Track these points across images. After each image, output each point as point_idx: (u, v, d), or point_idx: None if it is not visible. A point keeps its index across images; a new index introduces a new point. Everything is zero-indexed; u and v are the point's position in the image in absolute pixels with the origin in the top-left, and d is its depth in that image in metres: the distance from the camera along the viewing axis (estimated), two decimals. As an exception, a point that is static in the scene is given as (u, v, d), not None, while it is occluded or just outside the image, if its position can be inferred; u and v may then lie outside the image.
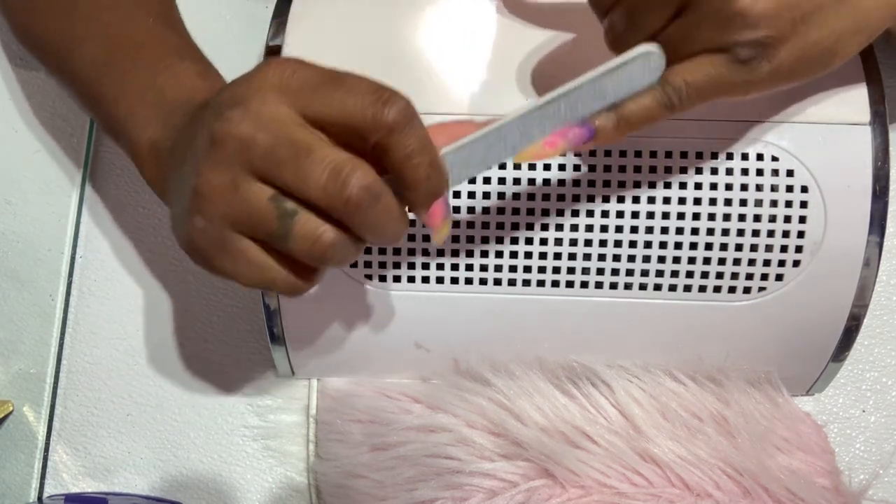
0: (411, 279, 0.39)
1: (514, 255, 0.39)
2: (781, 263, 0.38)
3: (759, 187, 0.37)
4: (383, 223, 0.28)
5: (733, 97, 0.32)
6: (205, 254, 0.29)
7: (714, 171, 0.37)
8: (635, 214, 0.38)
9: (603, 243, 0.38)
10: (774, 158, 0.37)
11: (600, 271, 0.39)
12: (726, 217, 0.37)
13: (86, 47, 0.38)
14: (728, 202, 0.37)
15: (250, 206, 0.27)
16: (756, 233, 0.38)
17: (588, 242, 0.38)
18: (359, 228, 0.28)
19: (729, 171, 0.37)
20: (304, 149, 0.27)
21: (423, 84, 0.39)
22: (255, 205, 0.27)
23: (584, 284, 0.39)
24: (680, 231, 0.38)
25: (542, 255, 0.38)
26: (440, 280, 0.39)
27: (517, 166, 0.38)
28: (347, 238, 0.28)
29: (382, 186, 0.27)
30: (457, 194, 0.38)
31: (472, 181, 0.38)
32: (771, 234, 0.38)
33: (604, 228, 0.38)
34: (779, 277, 0.38)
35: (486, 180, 0.38)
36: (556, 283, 0.39)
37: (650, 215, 0.38)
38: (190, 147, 0.29)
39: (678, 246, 0.38)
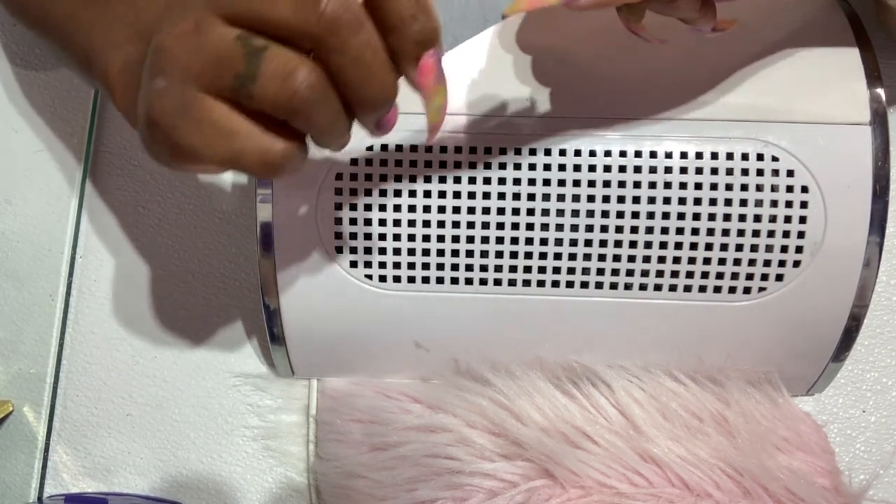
0: (411, 279, 0.39)
1: (514, 255, 0.39)
2: (781, 263, 0.38)
3: (759, 187, 0.37)
4: (366, 58, 0.25)
5: None
6: (166, 125, 0.26)
7: (714, 171, 0.37)
8: (635, 214, 0.38)
9: (603, 243, 0.38)
10: (774, 158, 0.37)
11: (600, 271, 0.39)
12: (726, 217, 0.37)
13: None
14: (728, 202, 0.37)
15: (215, 47, 0.25)
16: (756, 233, 0.38)
17: (588, 242, 0.38)
18: (340, 64, 0.25)
19: (729, 171, 0.37)
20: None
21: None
22: (221, 45, 0.25)
23: (584, 284, 0.39)
24: (680, 231, 0.38)
25: (542, 255, 0.38)
26: (440, 280, 0.39)
27: (517, 165, 0.38)
28: (327, 85, 0.25)
29: (363, 13, 0.25)
30: (457, 194, 0.38)
31: (473, 181, 0.38)
32: (771, 234, 0.38)
33: (604, 228, 0.38)
34: (779, 277, 0.38)
35: (487, 180, 0.38)
36: (556, 283, 0.39)
37: (650, 215, 0.38)
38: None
39: (678, 246, 0.38)
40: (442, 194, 0.38)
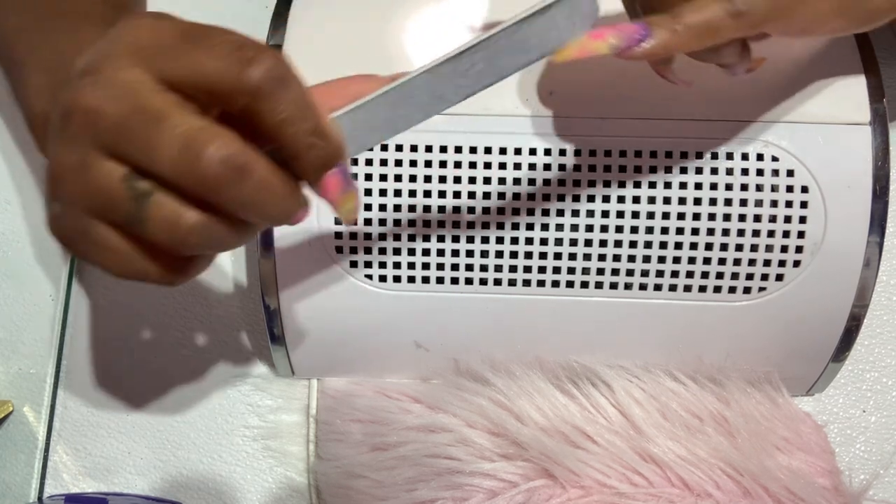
0: (411, 279, 0.39)
1: (514, 255, 0.39)
2: (781, 263, 0.38)
3: (759, 187, 0.37)
4: (260, 200, 0.24)
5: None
6: (69, 242, 0.26)
7: (714, 171, 0.37)
8: (636, 214, 0.38)
9: (603, 243, 0.38)
10: (774, 158, 0.37)
11: (600, 271, 0.39)
12: (726, 217, 0.37)
13: (11, 13, 0.36)
14: (728, 202, 0.37)
15: (102, 187, 0.24)
16: (756, 233, 0.38)
17: (588, 242, 0.38)
18: (229, 208, 0.24)
19: (729, 171, 0.37)
20: (154, 117, 0.23)
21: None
22: (107, 185, 0.24)
23: (584, 284, 0.39)
24: (680, 231, 0.38)
25: (543, 255, 0.38)
26: (440, 280, 0.39)
27: (517, 165, 0.38)
28: (217, 220, 0.25)
29: (250, 157, 0.24)
30: (457, 194, 0.38)
31: (472, 181, 0.38)
32: (771, 234, 0.38)
33: (604, 228, 0.38)
34: (779, 277, 0.38)
35: (487, 180, 0.38)
36: (556, 283, 0.39)
37: (650, 215, 0.38)
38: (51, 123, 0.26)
39: (678, 246, 0.38)
40: (442, 194, 0.38)
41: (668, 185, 0.37)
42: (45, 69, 0.33)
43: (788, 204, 0.37)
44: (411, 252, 0.39)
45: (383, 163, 0.38)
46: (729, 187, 0.37)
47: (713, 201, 0.37)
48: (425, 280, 0.39)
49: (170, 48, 0.24)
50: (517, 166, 0.38)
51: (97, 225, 0.25)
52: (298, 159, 0.25)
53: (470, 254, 0.39)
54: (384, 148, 0.38)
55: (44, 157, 0.30)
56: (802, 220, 0.37)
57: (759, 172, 0.37)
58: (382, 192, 0.38)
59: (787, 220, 0.37)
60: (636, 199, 0.38)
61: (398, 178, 0.38)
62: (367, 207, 0.38)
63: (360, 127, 0.27)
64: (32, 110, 0.33)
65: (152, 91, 0.24)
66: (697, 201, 0.38)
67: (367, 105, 0.26)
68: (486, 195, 0.38)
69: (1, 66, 0.38)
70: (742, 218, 0.37)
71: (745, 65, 0.33)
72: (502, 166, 0.38)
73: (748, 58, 0.33)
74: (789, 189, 0.37)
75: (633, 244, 0.38)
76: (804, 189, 0.37)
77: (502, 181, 0.38)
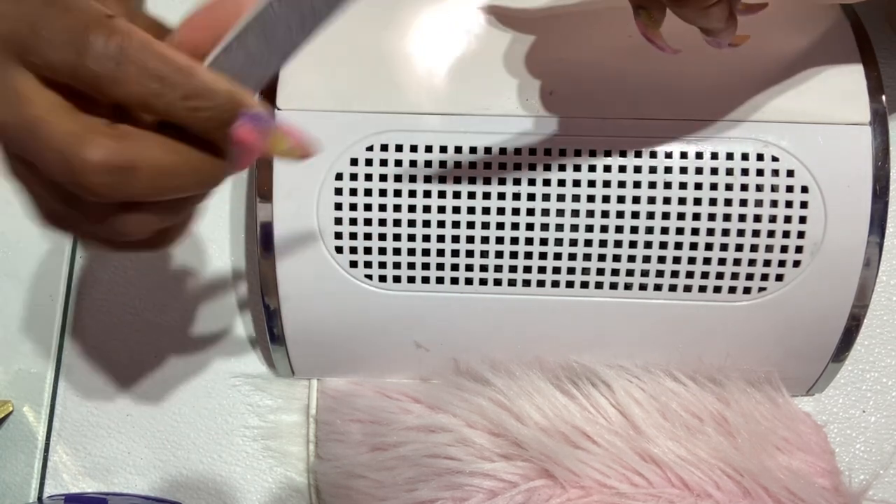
0: (411, 279, 0.39)
1: (513, 255, 0.39)
2: (781, 263, 0.38)
3: (759, 187, 0.37)
4: (163, 185, 0.23)
5: None
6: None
7: (714, 171, 0.37)
8: (635, 214, 0.38)
9: (603, 243, 0.38)
10: (774, 158, 0.37)
11: (600, 271, 0.39)
12: (726, 217, 0.37)
13: None
14: (728, 202, 0.37)
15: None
16: (756, 233, 0.38)
17: (588, 242, 0.38)
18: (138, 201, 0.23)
19: (729, 171, 0.37)
20: (31, 126, 0.22)
21: (422, 85, 0.39)
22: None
23: (584, 284, 0.39)
24: (680, 231, 0.38)
25: (542, 255, 0.38)
26: (440, 280, 0.39)
27: (517, 165, 0.38)
28: (138, 212, 0.23)
29: (130, 152, 0.22)
30: (457, 194, 0.38)
31: (472, 181, 0.38)
32: (771, 234, 0.38)
33: (604, 228, 0.38)
34: (779, 277, 0.38)
35: (487, 180, 0.38)
36: (556, 283, 0.39)
37: (650, 215, 0.38)
38: None
39: (678, 246, 0.38)
40: (442, 194, 0.38)
41: (668, 186, 0.37)
42: None
43: (788, 204, 0.37)
44: (411, 252, 0.39)
45: (383, 163, 0.38)
46: (729, 187, 0.37)
47: (713, 201, 0.37)
48: (425, 280, 0.39)
49: (27, 38, 0.22)
50: (517, 166, 0.38)
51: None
52: (190, 128, 0.23)
53: (470, 254, 0.39)
54: (384, 148, 0.38)
55: None
56: (802, 220, 0.37)
57: (759, 172, 0.37)
58: (382, 192, 0.38)
59: (787, 220, 0.37)
60: (636, 199, 0.38)
61: (398, 178, 0.38)
62: (367, 207, 0.38)
63: (245, 61, 0.23)
64: None
65: (32, 91, 0.22)
66: (697, 201, 0.38)
67: (240, 37, 0.23)
68: (486, 195, 0.38)
69: None
70: (742, 218, 0.37)
71: (730, 35, 0.33)
72: (502, 166, 0.38)
73: (734, 27, 0.33)
74: (789, 189, 0.37)
75: (633, 244, 0.38)
76: (804, 189, 0.37)
77: (502, 181, 0.38)
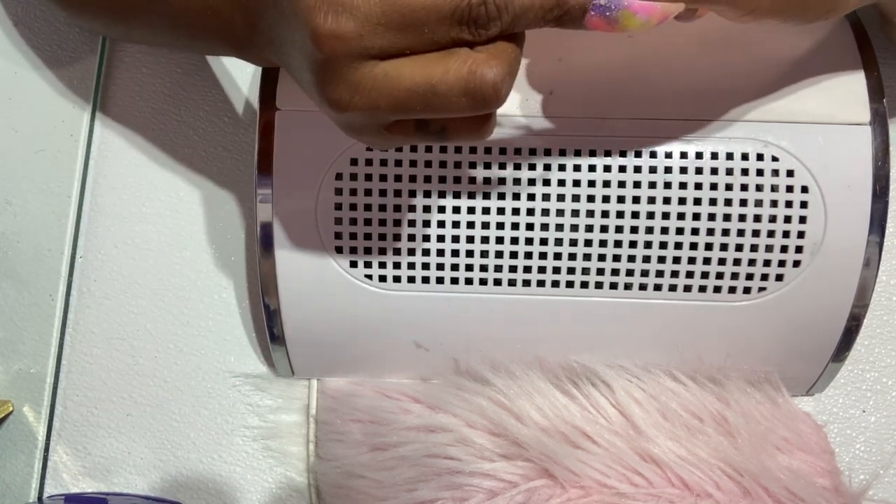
0: (411, 279, 0.39)
1: (514, 255, 0.39)
2: (781, 263, 0.38)
3: (759, 187, 0.37)
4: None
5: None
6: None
7: (714, 171, 0.37)
8: (635, 214, 0.38)
9: (603, 243, 0.38)
10: (774, 158, 0.37)
11: (600, 271, 0.39)
12: (726, 217, 0.37)
13: None
14: (728, 202, 0.37)
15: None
16: (756, 233, 0.38)
17: (588, 242, 0.38)
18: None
19: (729, 171, 0.37)
20: (427, 88, 0.27)
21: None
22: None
23: (584, 284, 0.39)
24: (680, 231, 0.38)
25: (542, 255, 0.38)
26: (440, 280, 0.39)
27: (517, 165, 0.38)
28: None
29: (512, 60, 0.27)
30: (457, 194, 0.38)
31: (472, 181, 0.38)
32: (771, 234, 0.38)
33: (604, 228, 0.38)
34: (779, 277, 0.38)
35: (487, 180, 0.38)
36: (556, 283, 0.39)
37: (650, 215, 0.38)
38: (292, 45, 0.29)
39: (678, 246, 0.38)
40: (442, 194, 0.38)
41: (667, 186, 0.37)
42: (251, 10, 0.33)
43: (788, 204, 0.37)
44: (411, 252, 0.39)
45: (383, 163, 0.38)
46: (729, 187, 0.37)
47: (713, 201, 0.37)
48: (425, 280, 0.39)
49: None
50: (517, 166, 0.38)
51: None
52: (561, 25, 0.27)
53: (470, 254, 0.39)
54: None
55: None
56: (802, 220, 0.37)
57: (759, 172, 0.37)
58: (382, 192, 0.38)
59: (787, 220, 0.37)
60: (636, 199, 0.38)
61: (398, 178, 0.38)
62: (367, 207, 0.38)
63: None
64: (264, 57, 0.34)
65: (396, 67, 0.27)
66: (697, 201, 0.38)
67: None
68: (487, 195, 0.38)
69: (165, 31, 0.38)
70: (742, 218, 0.37)
71: None
72: (502, 166, 0.38)
73: None
74: (789, 189, 0.37)
75: (632, 244, 0.38)
76: (804, 189, 0.37)
77: (502, 181, 0.38)
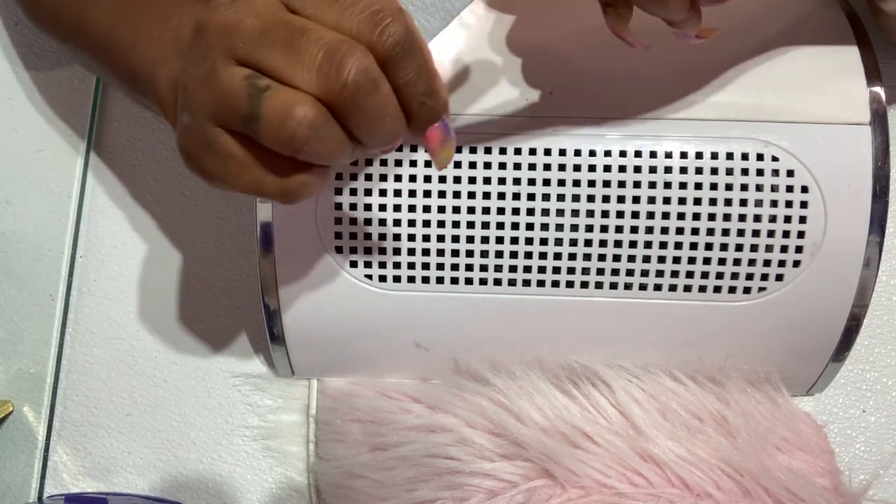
0: (411, 279, 0.39)
1: (514, 255, 0.39)
2: (781, 263, 0.38)
3: (759, 187, 0.37)
4: (381, 115, 0.26)
5: None
6: (194, 155, 0.28)
7: (714, 171, 0.37)
8: (635, 214, 0.38)
9: (603, 243, 0.38)
10: (774, 158, 0.37)
11: (600, 271, 0.39)
12: (726, 217, 0.37)
13: (98, 3, 0.38)
14: (728, 202, 0.37)
15: (225, 88, 0.26)
16: (756, 233, 0.38)
17: (588, 242, 0.38)
18: (354, 119, 0.26)
19: (729, 171, 0.37)
20: (298, 29, 0.26)
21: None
22: (230, 85, 0.26)
23: (584, 284, 0.39)
24: (680, 231, 0.38)
25: (543, 255, 0.38)
26: (440, 280, 0.39)
27: (517, 166, 0.38)
28: (328, 119, 0.26)
29: (381, 75, 0.26)
30: (457, 194, 0.38)
31: (472, 181, 0.38)
32: (771, 234, 0.38)
33: (604, 228, 0.38)
34: (779, 277, 0.38)
35: (487, 180, 0.38)
36: (556, 283, 0.39)
37: (650, 215, 0.38)
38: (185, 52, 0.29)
39: (678, 246, 0.38)
40: (442, 194, 0.38)
41: (667, 185, 0.37)
42: (161, 42, 0.35)
43: (788, 204, 0.37)
44: (411, 252, 0.39)
45: (383, 163, 0.38)
46: (729, 187, 0.37)
47: (713, 201, 0.37)
48: (425, 280, 0.39)
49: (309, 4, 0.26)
50: (517, 166, 0.38)
51: (220, 133, 0.27)
52: (408, 113, 0.27)
53: (470, 254, 0.39)
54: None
55: (167, 117, 0.34)
56: (802, 220, 0.37)
57: (759, 172, 0.37)
58: (382, 192, 0.38)
59: (787, 220, 0.37)
60: (636, 199, 0.38)
61: (398, 178, 0.38)
62: (367, 207, 0.38)
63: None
64: (157, 78, 0.34)
65: (290, 13, 0.26)
66: (697, 201, 0.37)
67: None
68: (487, 195, 0.38)
69: (96, 60, 0.40)
70: (742, 218, 0.37)
71: (694, 26, 0.33)
72: (502, 166, 0.38)
73: (697, 18, 0.32)
74: (789, 189, 0.37)
75: (633, 244, 0.38)
76: (804, 189, 0.37)
77: (502, 181, 0.38)
